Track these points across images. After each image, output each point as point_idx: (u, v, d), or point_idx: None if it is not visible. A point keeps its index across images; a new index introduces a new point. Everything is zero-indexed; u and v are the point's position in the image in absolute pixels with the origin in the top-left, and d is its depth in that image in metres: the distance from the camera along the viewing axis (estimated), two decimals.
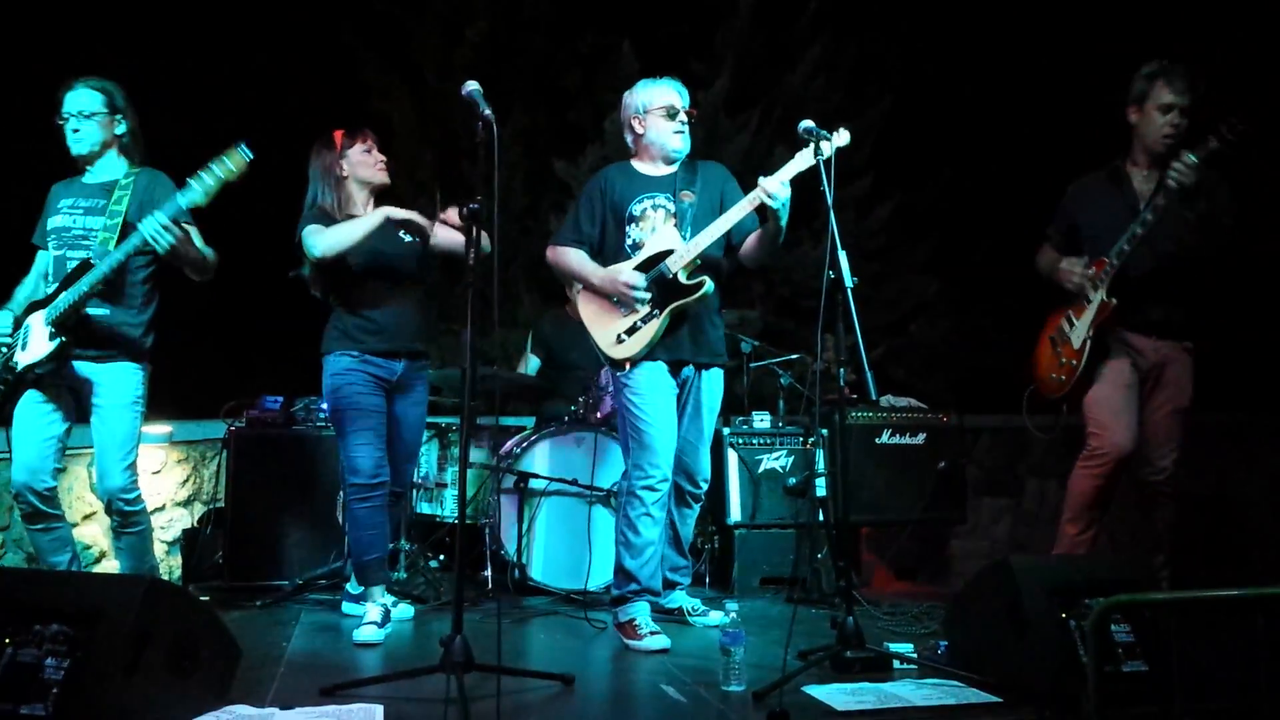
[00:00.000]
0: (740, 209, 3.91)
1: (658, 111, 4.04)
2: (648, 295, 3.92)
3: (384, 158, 4.18)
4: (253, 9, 7.40)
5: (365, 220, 3.95)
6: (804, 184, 3.77)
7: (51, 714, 2.40)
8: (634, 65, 7.48)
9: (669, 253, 3.94)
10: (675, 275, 3.92)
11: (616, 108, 4.25)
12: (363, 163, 4.12)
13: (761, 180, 3.80)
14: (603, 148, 7.25)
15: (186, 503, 5.42)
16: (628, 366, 3.94)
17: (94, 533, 4.95)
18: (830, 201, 3.53)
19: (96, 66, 3.97)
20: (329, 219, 4.03)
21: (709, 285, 3.94)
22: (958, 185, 8.21)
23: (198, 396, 5.40)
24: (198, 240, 3.89)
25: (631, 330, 3.94)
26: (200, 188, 3.61)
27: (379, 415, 4.04)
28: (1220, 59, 6.55)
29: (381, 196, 4.20)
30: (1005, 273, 4.37)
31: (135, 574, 3.83)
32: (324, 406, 5.03)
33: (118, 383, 3.81)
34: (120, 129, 3.90)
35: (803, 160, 3.72)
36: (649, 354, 3.94)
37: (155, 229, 3.60)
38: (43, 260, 3.96)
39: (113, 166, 3.92)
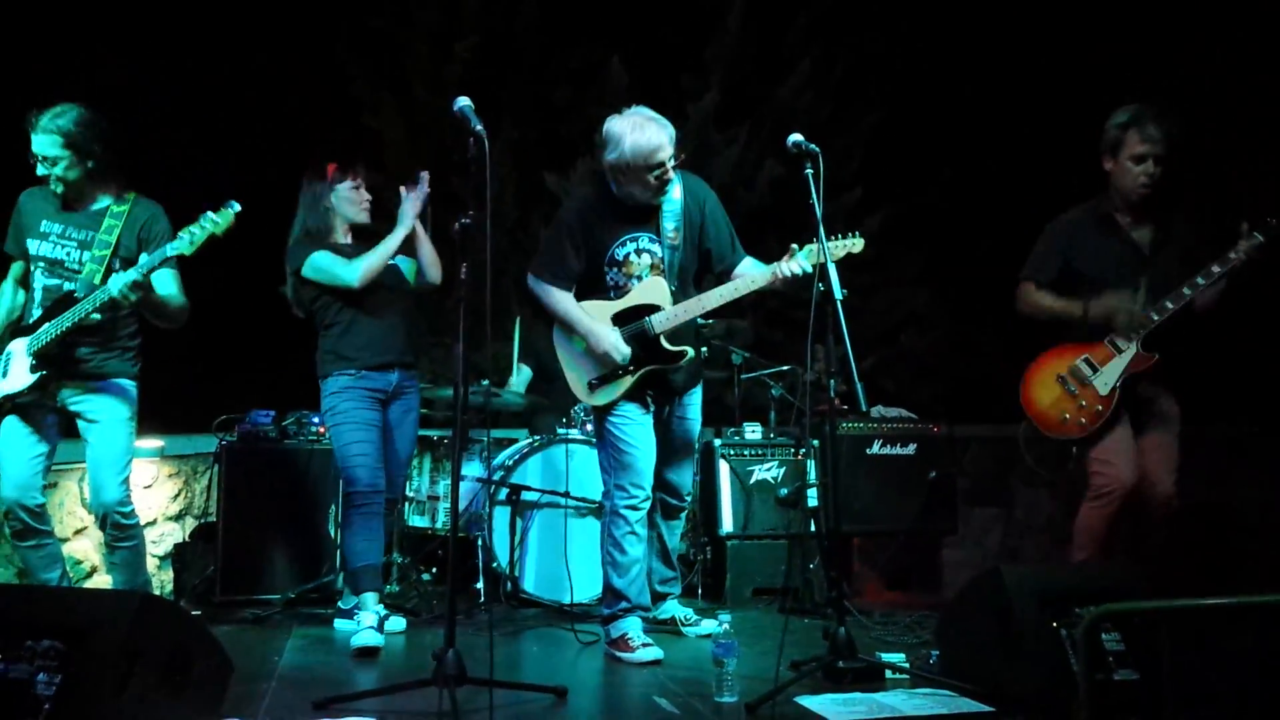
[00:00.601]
0: (744, 285, 3.83)
1: (643, 170, 3.76)
2: (631, 362, 3.88)
3: (369, 197, 4.34)
4: (245, 24, 7.41)
5: (390, 240, 4.12)
6: (794, 195, 3.78)
7: None
8: (624, 79, 7.51)
9: (654, 308, 3.88)
10: (658, 337, 3.87)
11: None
12: (348, 199, 4.27)
13: (782, 268, 3.71)
14: (593, 161, 7.26)
15: (178, 517, 5.41)
16: (598, 412, 3.95)
17: (85, 548, 4.94)
18: (819, 215, 3.54)
19: (96, 66, 3.94)
20: (320, 243, 4.16)
21: (690, 354, 3.94)
22: (948, 196, 8.23)
23: (189, 411, 5.39)
24: (175, 286, 3.88)
25: (604, 380, 3.91)
26: (188, 239, 3.62)
27: (375, 429, 4.16)
28: (1220, 59, 6.60)
29: (359, 232, 4.32)
30: (997, 282, 4.38)
31: (128, 589, 3.83)
32: (315, 420, 5.06)
33: (110, 401, 3.83)
34: (90, 164, 3.81)
35: (835, 251, 3.62)
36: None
37: (123, 289, 3.59)
38: (16, 270, 3.95)
39: (97, 196, 3.90)
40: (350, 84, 8.21)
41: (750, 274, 3.88)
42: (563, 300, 3.95)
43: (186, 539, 5.22)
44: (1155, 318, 3.96)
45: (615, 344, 3.86)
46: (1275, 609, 2.60)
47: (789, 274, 3.71)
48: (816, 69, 8.09)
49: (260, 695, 3.16)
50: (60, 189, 3.82)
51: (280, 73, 7.58)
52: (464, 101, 3.30)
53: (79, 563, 4.88)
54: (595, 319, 3.90)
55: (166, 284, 3.86)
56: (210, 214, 3.62)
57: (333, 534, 4.96)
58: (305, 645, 4.04)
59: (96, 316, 3.70)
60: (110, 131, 3.86)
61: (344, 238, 4.27)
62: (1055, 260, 4.21)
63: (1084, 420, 4.08)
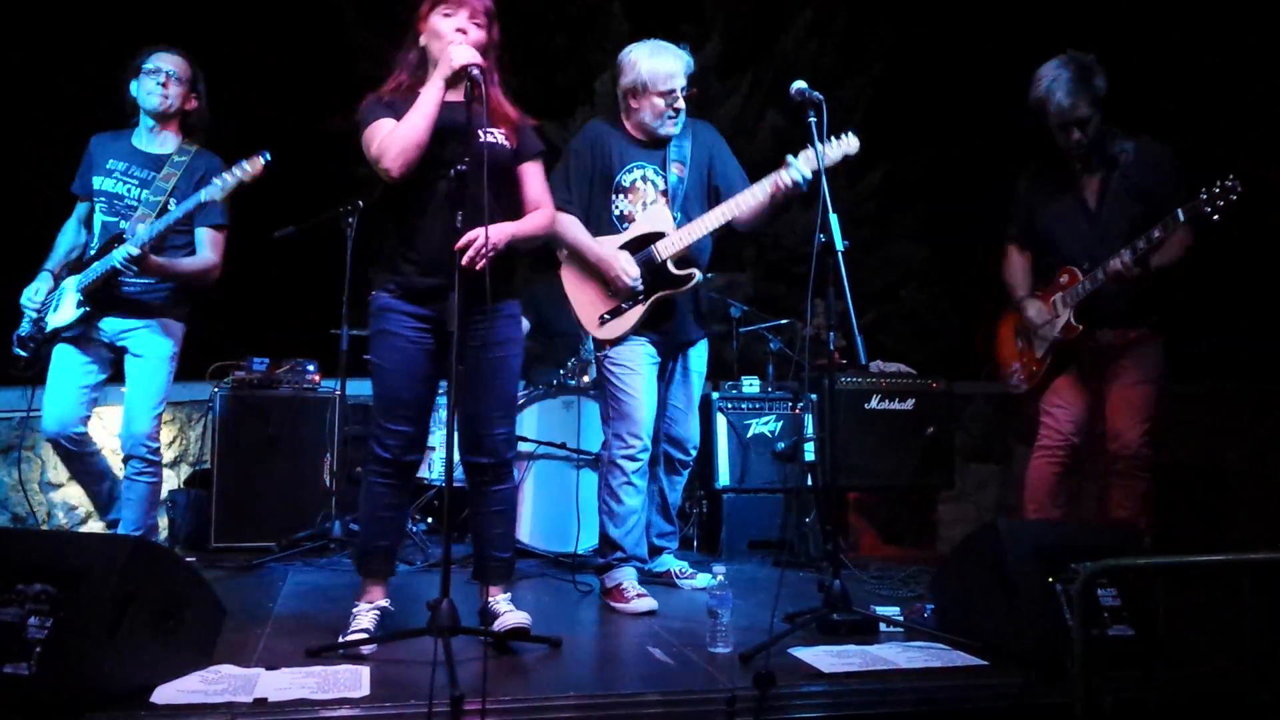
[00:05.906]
0: (745, 199, 3.83)
1: (655, 95, 3.90)
2: (642, 286, 3.89)
3: (469, 29, 3.16)
4: None
5: (423, 99, 3.07)
6: (796, 147, 3.74)
7: (34, 673, 2.38)
8: (624, 27, 7.40)
9: (659, 235, 3.90)
10: (665, 262, 3.89)
11: (605, 69, 4.18)
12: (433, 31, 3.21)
13: (786, 173, 3.72)
14: (592, 109, 7.18)
15: (173, 464, 5.41)
16: (607, 347, 3.93)
17: (80, 494, 4.94)
18: (821, 165, 3.50)
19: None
20: (391, 110, 3.16)
21: (699, 277, 3.93)
22: (950, 151, 8.14)
23: (184, 358, 5.37)
24: (208, 249, 4.00)
25: (615, 312, 3.91)
26: (220, 186, 3.71)
27: (420, 375, 3.17)
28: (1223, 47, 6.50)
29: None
30: (998, 239, 4.36)
31: (129, 531, 3.89)
32: (310, 368, 5.04)
33: (156, 338, 3.95)
34: (191, 105, 4.04)
35: (831, 152, 3.73)
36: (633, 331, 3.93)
37: (124, 258, 3.72)
38: (82, 210, 4.04)
39: (168, 139, 4.02)
40: (346, 33, 8.09)
41: (751, 188, 3.87)
42: (573, 224, 3.94)
43: (181, 485, 5.22)
44: (1089, 286, 3.88)
45: (625, 267, 3.87)
46: (1269, 566, 2.59)
47: (788, 182, 3.73)
48: (819, 19, 7.99)
49: (254, 641, 3.16)
50: (159, 107, 3.94)
51: (272, 21, 7.45)
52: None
53: (74, 508, 4.89)
54: (604, 245, 3.92)
55: (202, 246, 4.00)
56: (243, 162, 3.72)
57: (328, 482, 4.96)
58: (300, 592, 4.04)
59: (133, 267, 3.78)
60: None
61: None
62: (1022, 214, 4.20)
63: (1022, 378, 4.17)
